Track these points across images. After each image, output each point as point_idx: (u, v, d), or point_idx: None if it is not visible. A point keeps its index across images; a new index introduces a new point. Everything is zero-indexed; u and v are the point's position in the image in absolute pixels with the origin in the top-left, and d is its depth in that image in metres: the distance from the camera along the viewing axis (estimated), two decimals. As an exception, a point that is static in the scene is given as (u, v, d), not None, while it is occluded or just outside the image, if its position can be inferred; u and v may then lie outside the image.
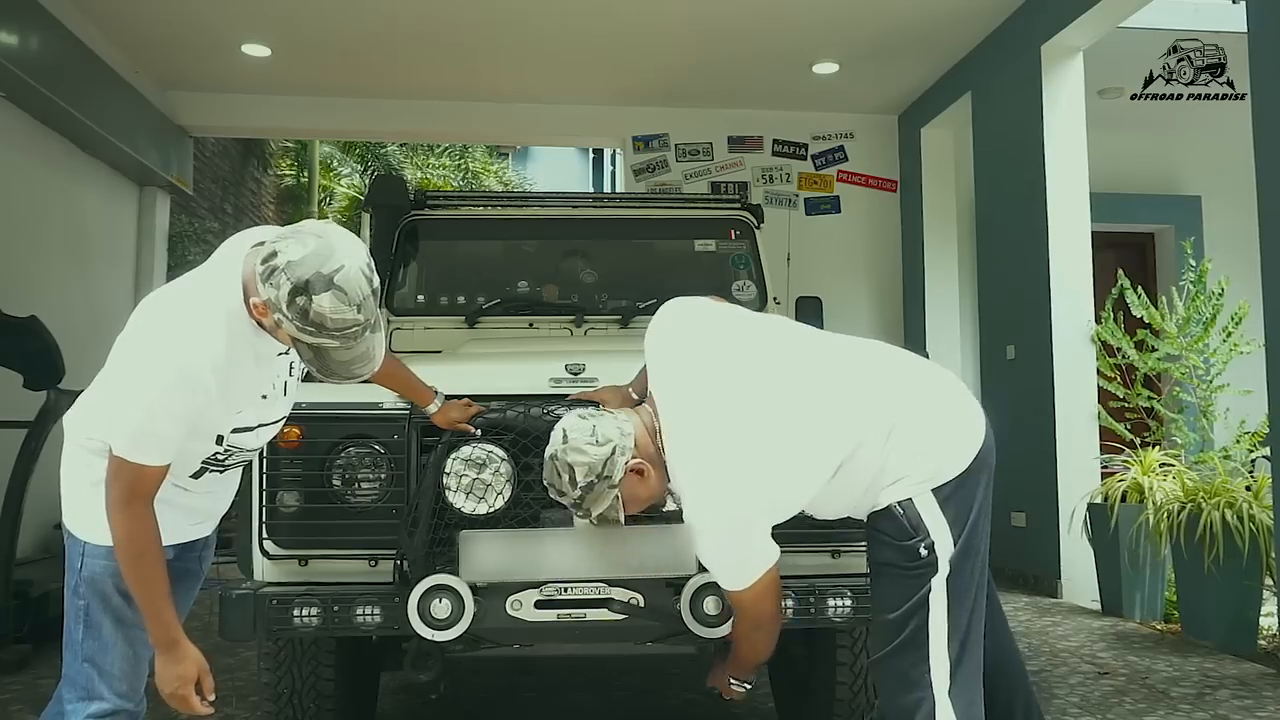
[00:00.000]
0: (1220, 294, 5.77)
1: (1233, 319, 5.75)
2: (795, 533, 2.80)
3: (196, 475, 2.23)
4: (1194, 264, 5.99)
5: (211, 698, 2.13)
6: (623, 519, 2.33)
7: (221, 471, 2.27)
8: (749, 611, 2.30)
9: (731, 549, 2.20)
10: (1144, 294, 6.01)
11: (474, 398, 2.79)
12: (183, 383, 1.98)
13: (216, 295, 2.04)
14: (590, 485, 2.25)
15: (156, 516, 2.07)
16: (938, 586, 2.15)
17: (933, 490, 2.16)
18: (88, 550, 2.16)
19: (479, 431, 2.71)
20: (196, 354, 1.99)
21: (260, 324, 2.03)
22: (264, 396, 2.21)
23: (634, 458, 2.25)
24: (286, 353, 2.18)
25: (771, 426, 2.17)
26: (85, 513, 2.15)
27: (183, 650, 2.08)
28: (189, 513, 2.29)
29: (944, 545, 2.15)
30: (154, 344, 2.01)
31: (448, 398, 2.78)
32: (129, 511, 2.02)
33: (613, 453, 2.24)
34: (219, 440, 2.16)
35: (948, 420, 2.25)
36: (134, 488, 2.02)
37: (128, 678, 2.18)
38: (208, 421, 2.09)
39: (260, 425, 2.24)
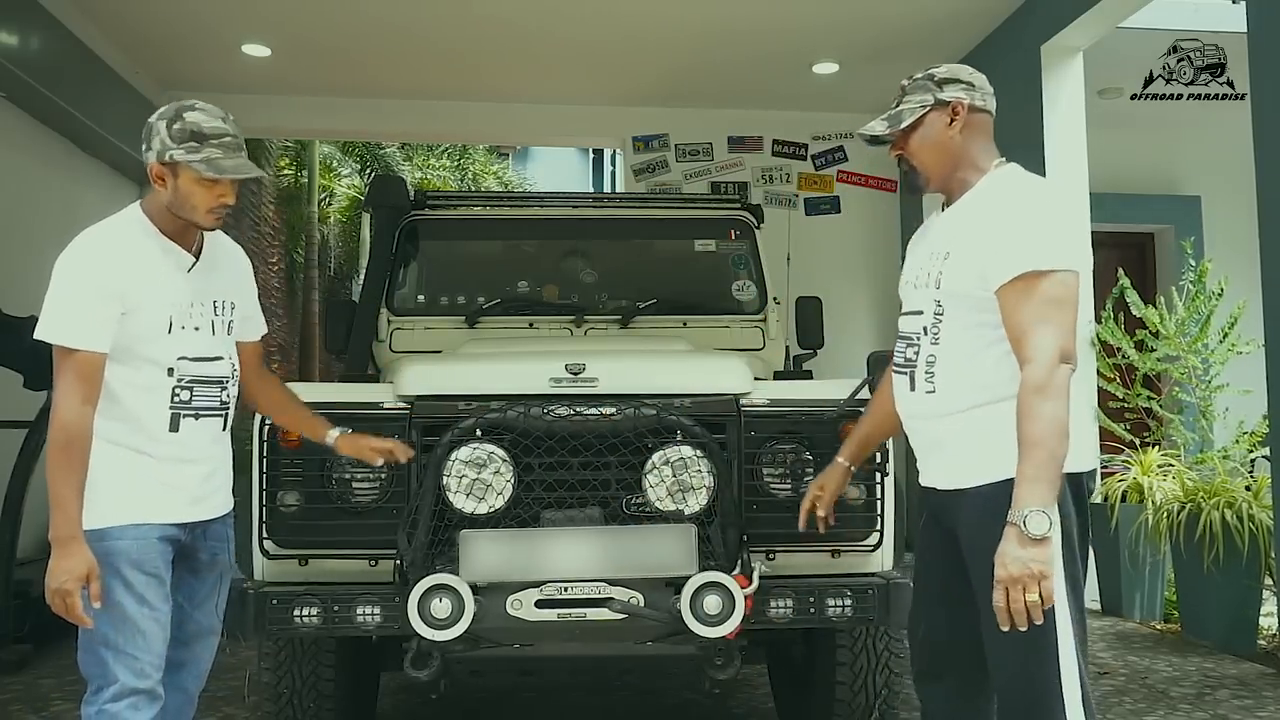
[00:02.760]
0: (1219, 294, 5.77)
1: (1230, 319, 5.75)
2: (795, 532, 2.82)
3: (174, 428, 2.29)
4: (1193, 264, 5.99)
5: (97, 605, 2.16)
6: (897, 131, 2.28)
7: (196, 418, 2.32)
8: (1051, 319, 2.03)
9: (1055, 221, 2.14)
10: (1141, 294, 6.01)
11: (474, 398, 2.79)
12: (94, 258, 2.24)
13: (118, 213, 2.35)
14: (930, 78, 2.27)
15: (135, 481, 2.20)
16: (1059, 588, 2.04)
17: None
18: (108, 534, 2.20)
19: (406, 461, 2.66)
20: (103, 236, 2.28)
21: (166, 215, 2.28)
22: (197, 329, 2.33)
23: (966, 109, 2.24)
24: (196, 265, 2.35)
25: None
26: (92, 498, 2.18)
27: (77, 547, 2.14)
28: (177, 490, 2.30)
29: (1055, 537, 2.03)
30: (67, 252, 2.25)
31: (443, 398, 2.78)
32: (68, 405, 2.16)
33: (968, 79, 2.28)
34: (170, 372, 2.28)
35: (1090, 419, 2.23)
36: (74, 382, 2.16)
37: (144, 656, 2.20)
38: (145, 328, 2.24)
39: (205, 359, 2.34)
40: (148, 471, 2.26)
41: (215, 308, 2.39)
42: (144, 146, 2.29)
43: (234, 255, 2.53)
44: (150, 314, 2.27)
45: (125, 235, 2.30)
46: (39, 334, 2.21)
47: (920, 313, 2.24)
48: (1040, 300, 2.04)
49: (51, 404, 2.19)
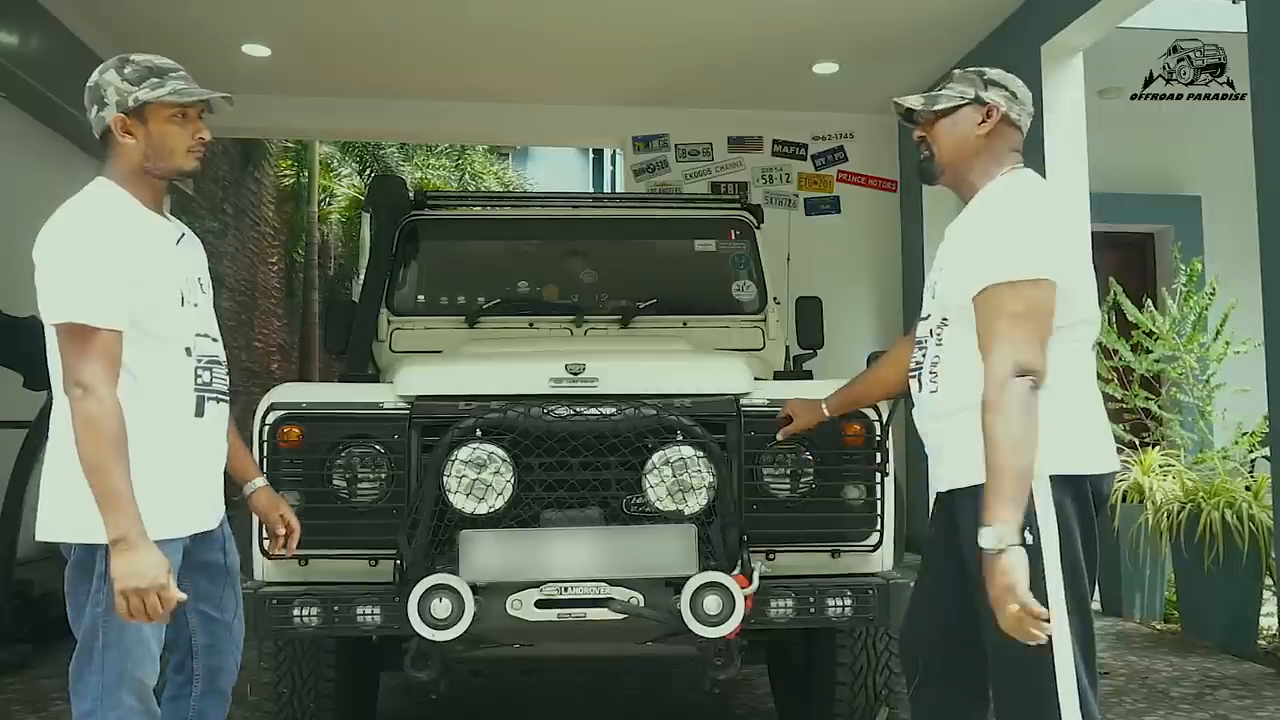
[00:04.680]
0: (1212, 293, 5.77)
1: (1221, 317, 5.75)
2: (795, 533, 2.83)
3: (200, 412, 2.21)
4: (1183, 266, 6.00)
5: (176, 603, 2.03)
6: (929, 111, 2.27)
7: (217, 402, 2.26)
8: (1007, 334, 2.02)
9: (1026, 230, 2.10)
10: (1134, 297, 6.01)
11: (474, 398, 2.79)
12: (93, 229, 2.08)
13: (87, 189, 2.19)
14: (980, 74, 2.27)
15: (163, 492, 2.08)
16: (1055, 594, 2.02)
17: (1052, 475, 2.05)
18: (109, 552, 2.06)
19: (294, 536, 2.53)
20: (94, 207, 2.13)
21: (139, 170, 2.18)
22: (197, 305, 2.25)
23: (1000, 115, 2.23)
24: (182, 238, 2.27)
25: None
26: (94, 509, 2.04)
27: (150, 544, 1.98)
28: (197, 491, 2.23)
29: (1049, 540, 2.04)
30: (58, 229, 2.11)
31: (443, 398, 2.78)
32: (105, 390, 2.01)
33: (1014, 89, 2.26)
34: (189, 352, 2.19)
35: (1104, 422, 2.21)
36: (104, 365, 2.01)
37: (151, 680, 2.13)
38: (158, 301, 2.12)
39: (212, 337, 2.28)
40: (171, 472, 2.13)
41: (201, 285, 2.31)
42: (94, 107, 2.15)
43: (195, 238, 2.38)
44: (161, 286, 2.14)
45: (114, 205, 2.15)
46: (50, 318, 2.05)
47: (929, 317, 2.28)
48: (998, 315, 2.05)
49: (74, 394, 2.00)
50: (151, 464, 2.08)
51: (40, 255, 2.10)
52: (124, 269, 2.07)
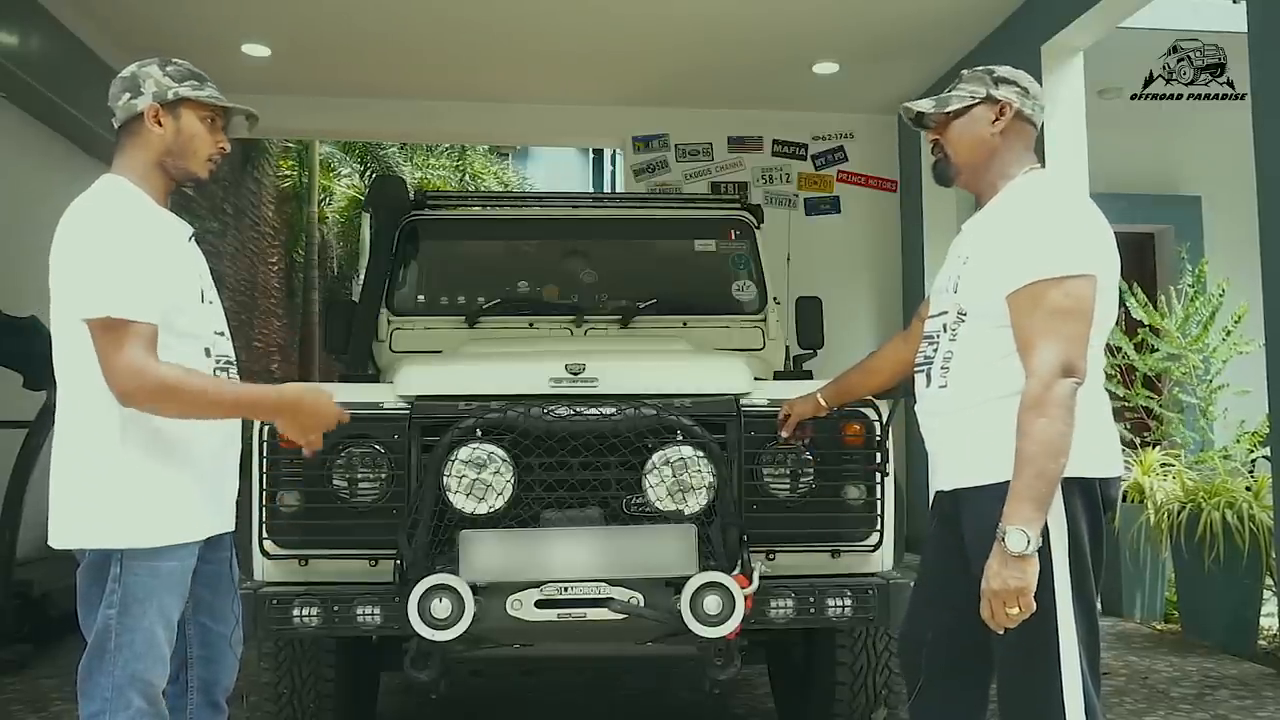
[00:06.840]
0: (1221, 294, 5.77)
1: (1233, 318, 5.75)
2: (795, 533, 2.83)
3: None
4: (1190, 267, 6.00)
5: (347, 417, 2.29)
6: (940, 114, 2.27)
7: None
8: (1055, 331, 2.00)
9: (1066, 227, 2.11)
10: (1143, 294, 6.01)
11: (474, 398, 2.79)
12: (121, 227, 2.07)
13: (105, 184, 2.16)
14: (990, 73, 2.26)
15: (184, 494, 2.11)
16: (1063, 596, 2.02)
17: (1065, 477, 2.02)
18: (126, 555, 2.06)
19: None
20: (115, 207, 2.11)
21: (167, 162, 2.20)
22: (210, 302, 2.27)
23: (1014, 111, 2.23)
24: (192, 238, 2.27)
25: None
26: (113, 513, 2.06)
27: (283, 388, 2.18)
28: (214, 494, 2.23)
29: (1059, 542, 2.03)
30: (83, 223, 2.08)
31: (443, 398, 2.79)
32: (148, 368, 2.00)
33: (1025, 84, 2.26)
34: (208, 352, 2.21)
35: (1113, 426, 2.20)
36: (132, 350, 1.98)
37: (160, 681, 2.13)
38: (181, 297, 2.13)
39: (225, 336, 2.31)
40: (187, 473, 2.13)
41: (212, 282, 2.32)
42: (126, 95, 2.16)
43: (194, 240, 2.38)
44: (184, 282, 2.15)
45: (133, 200, 2.13)
46: (83, 314, 2.01)
47: (945, 313, 2.25)
48: (1046, 311, 2.02)
49: (128, 382, 1.98)
50: (168, 465, 2.09)
51: (64, 252, 2.07)
52: (152, 263, 2.07)
